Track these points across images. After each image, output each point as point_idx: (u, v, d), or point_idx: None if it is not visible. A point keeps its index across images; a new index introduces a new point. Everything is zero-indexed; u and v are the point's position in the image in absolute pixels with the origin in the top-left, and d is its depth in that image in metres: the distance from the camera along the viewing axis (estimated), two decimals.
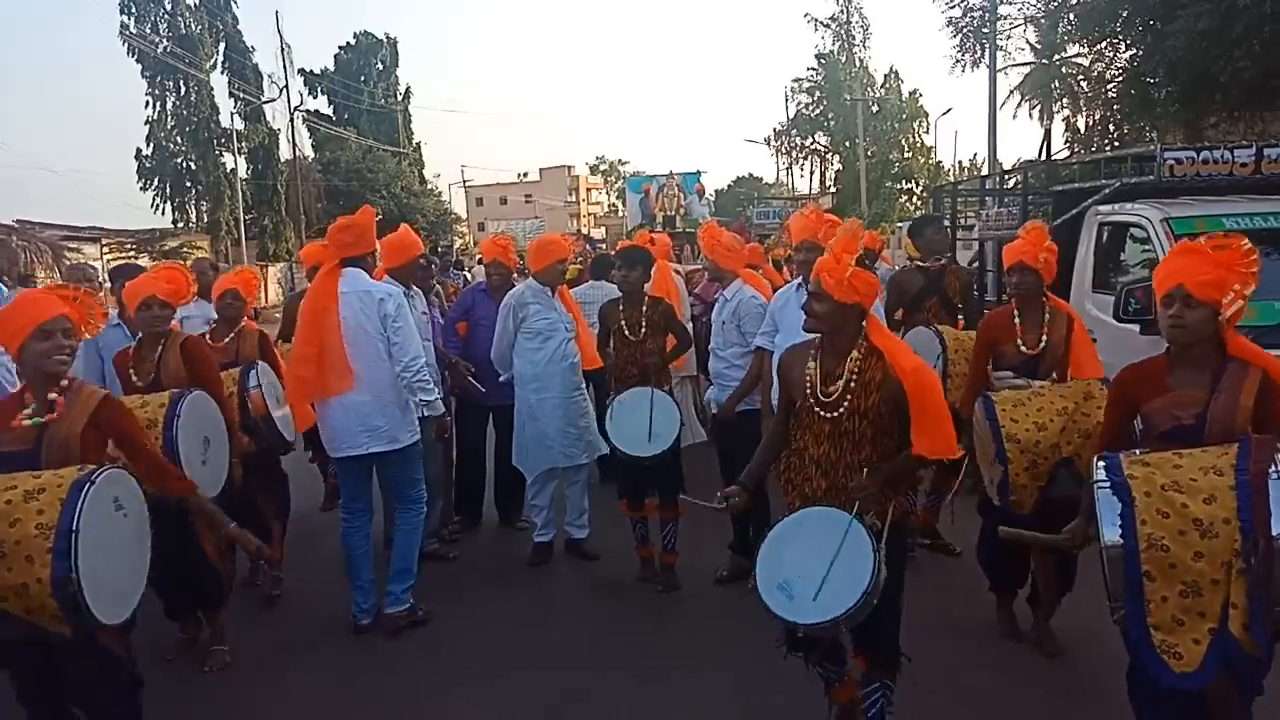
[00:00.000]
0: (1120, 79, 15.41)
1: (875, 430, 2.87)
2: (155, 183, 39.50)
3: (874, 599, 2.67)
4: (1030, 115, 31.44)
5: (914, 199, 47.68)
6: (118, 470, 2.85)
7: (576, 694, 3.83)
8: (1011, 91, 30.32)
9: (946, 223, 9.97)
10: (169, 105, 39.05)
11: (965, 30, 19.47)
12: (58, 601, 2.53)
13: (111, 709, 2.94)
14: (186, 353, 4.06)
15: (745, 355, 4.76)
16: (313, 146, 44.80)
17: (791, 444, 3.05)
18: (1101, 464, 2.55)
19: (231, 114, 38.86)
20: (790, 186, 51.32)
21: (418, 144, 52.08)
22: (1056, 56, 23.47)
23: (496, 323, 5.27)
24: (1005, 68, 24.09)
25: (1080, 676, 3.77)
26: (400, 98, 50.34)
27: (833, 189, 48.04)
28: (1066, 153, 19.44)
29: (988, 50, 20.53)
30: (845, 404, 2.86)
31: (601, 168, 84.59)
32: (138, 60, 37.95)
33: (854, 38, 49.58)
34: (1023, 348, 3.96)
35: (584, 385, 5.32)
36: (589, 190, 78.54)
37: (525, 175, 74.21)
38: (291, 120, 39.33)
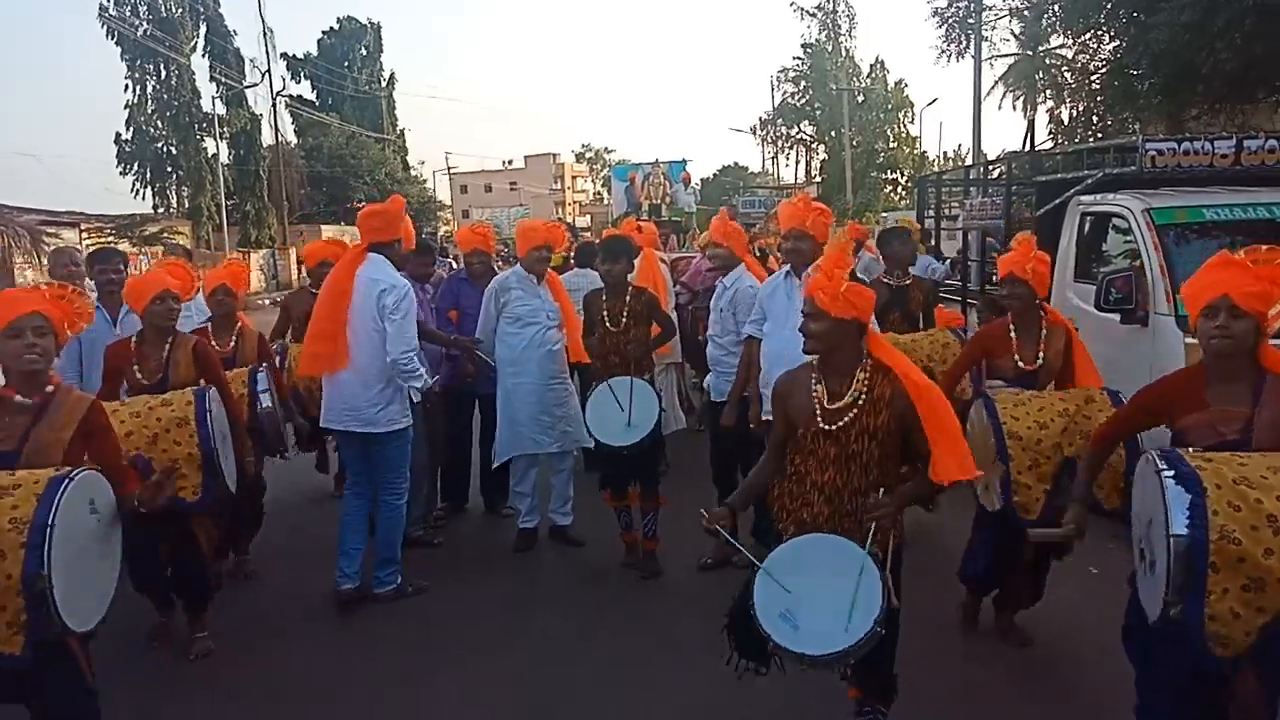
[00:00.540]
0: (1104, 70, 15.51)
1: (882, 452, 2.75)
2: (135, 168, 39.07)
3: (882, 630, 2.53)
4: (1014, 106, 31.46)
5: (899, 189, 47.82)
6: (94, 473, 2.79)
7: (562, 678, 3.85)
8: (996, 82, 30.37)
9: (930, 213, 10.07)
10: (149, 89, 38.58)
11: (951, 21, 19.55)
12: (25, 600, 2.42)
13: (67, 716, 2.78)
14: (199, 356, 4.06)
15: (740, 343, 4.78)
16: (295, 132, 44.48)
17: (788, 470, 2.90)
18: (1163, 456, 2.47)
19: (213, 98, 38.48)
20: (776, 176, 51.30)
21: (402, 131, 51.80)
22: (1041, 48, 23.53)
23: (481, 308, 5.30)
24: (990, 58, 24.26)
25: (1063, 672, 3.79)
26: (384, 84, 49.98)
27: (818, 178, 48.10)
28: (1050, 143, 19.57)
29: (973, 41, 20.62)
30: (853, 423, 2.73)
31: (587, 155, 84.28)
32: (117, 43, 37.45)
33: (840, 27, 49.60)
34: (1020, 363, 3.88)
35: (566, 375, 5.30)
36: (574, 178, 78.25)
37: (510, 163, 73.79)
38: (274, 105, 38.95)
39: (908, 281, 5.49)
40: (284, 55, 45.23)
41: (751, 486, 3.07)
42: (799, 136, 52.31)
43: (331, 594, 4.55)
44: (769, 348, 4.27)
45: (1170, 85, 12.20)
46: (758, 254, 7.45)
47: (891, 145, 50.07)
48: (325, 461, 6.40)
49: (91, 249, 6.94)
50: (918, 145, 50.35)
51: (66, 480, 2.58)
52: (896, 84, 50.49)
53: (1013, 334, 3.94)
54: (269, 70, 38.56)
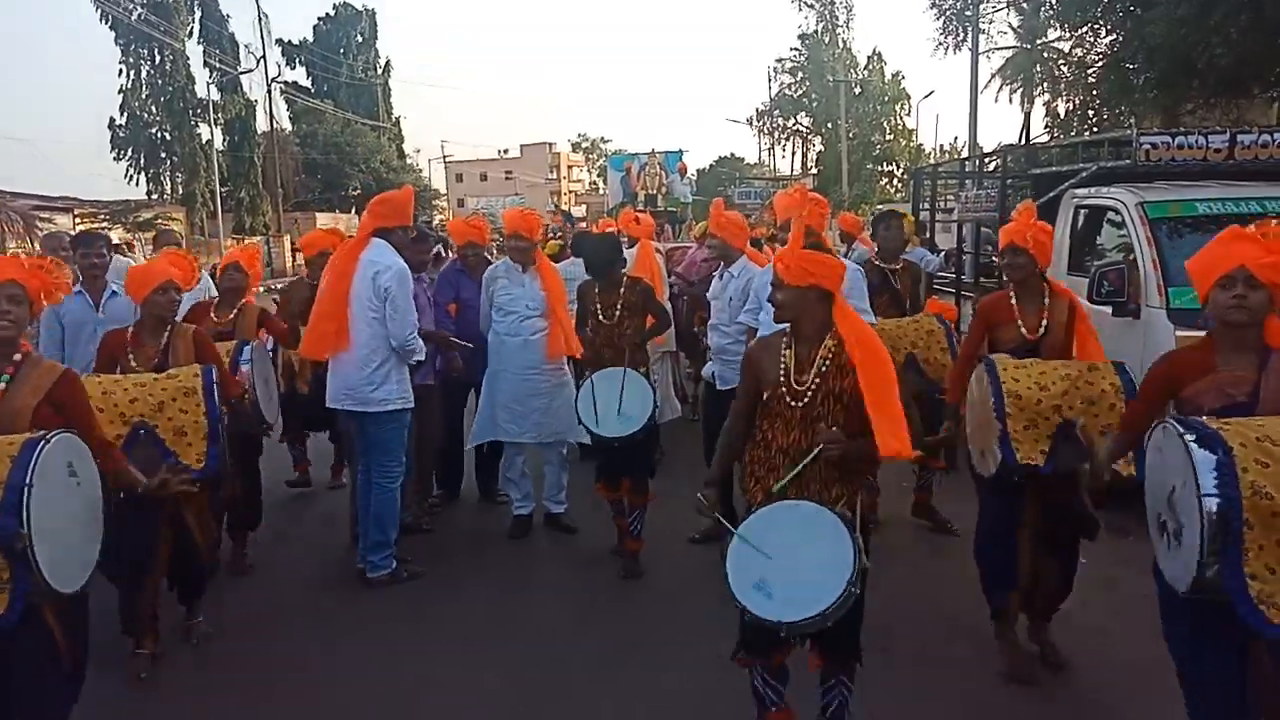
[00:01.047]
0: (1100, 64, 15.53)
1: (846, 416, 2.80)
2: (129, 153, 38.89)
3: (856, 588, 2.59)
4: (1011, 99, 31.46)
5: (895, 181, 47.81)
6: (73, 436, 2.75)
7: (555, 662, 3.88)
8: (993, 75, 30.37)
9: (926, 205, 10.09)
10: (143, 74, 38.41)
11: (948, 13, 19.50)
12: (7, 559, 2.41)
13: (35, 697, 2.72)
14: (199, 345, 4.08)
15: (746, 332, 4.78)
16: (290, 119, 44.36)
17: (755, 436, 2.96)
18: (1179, 422, 2.47)
19: (208, 84, 38.34)
20: (772, 167, 51.28)
21: (397, 119, 51.67)
22: (1038, 41, 23.54)
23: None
24: (987, 51, 24.20)
25: (1071, 678, 3.71)
26: (380, 71, 49.77)
27: (814, 170, 48.09)
28: (1046, 137, 19.57)
29: (970, 33, 20.59)
30: (818, 388, 2.80)
31: (583, 145, 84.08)
32: (111, 27, 37.26)
33: (838, 19, 49.59)
34: (1023, 330, 3.79)
35: (549, 366, 5.20)
36: (570, 168, 78.02)
37: (506, 152, 73.61)
38: (269, 92, 38.74)
39: (898, 265, 5.49)
40: (279, 41, 45.10)
41: (725, 453, 3.10)
42: (795, 128, 52.31)
43: (325, 581, 4.60)
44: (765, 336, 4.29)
45: (1166, 80, 12.23)
46: (752, 245, 7.48)
47: (888, 137, 50.07)
48: (303, 455, 6.39)
49: (77, 233, 6.95)
50: (914, 138, 50.36)
51: (43, 441, 2.55)
52: (893, 76, 50.48)
53: (1014, 302, 3.84)
54: (264, 56, 38.42)
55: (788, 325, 2.92)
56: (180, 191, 39.00)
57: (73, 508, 2.71)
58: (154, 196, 37.95)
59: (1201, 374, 2.67)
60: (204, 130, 38.48)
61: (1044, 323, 3.78)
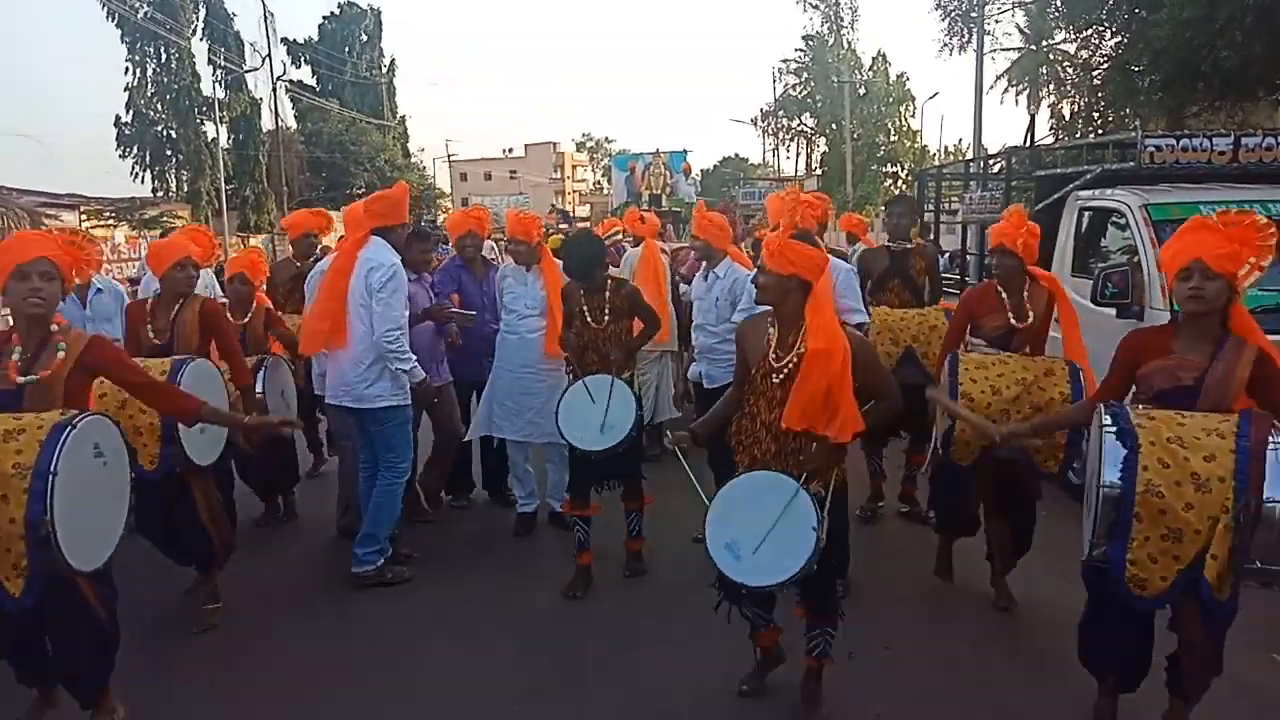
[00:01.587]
0: (1105, 66, 15.53)
1: None
2: (135, 151, 38.93)
3: (814, 565, 2.83)
4: (1016, 101, 31.49)
5: (899, 182, 47.76)
6: (100, 417, 2.83)
7: (559, 659, 3.90)
8: (999, 77, 30.41)
9: (930, 206, 10.09)
10: (149, 72, 38.41)
11: (954, 14, 19.51)
12: (28, 542, 2.50)
13: (79, 657, 2.89)
14: (205, 315, 4.13)
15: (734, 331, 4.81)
16: (295, 117, 44.29)
17: (744, 408, 3.19)
18: (1108, 411, 2.74)
19: (213, 82, 38.22)
20: (776, 168, 51.22)
21: (402, 117, 51.57)
22: (1044, 43, 23.53)
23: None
24: (993, 52, 24.23)
25: (1056, 649, 3.81)
26: (385, 70, 49.77)
27: (819, 171, 48.02)
28: (1051, 138, 19.57)
29: (975, 35, 20.59)
30: (798, 367, 2.97)
31: (587, 145, 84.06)
32: (117, 25, 37.29)
33: (842, 20, 49.51)
34: (1013, 320, 4.10)
35: (545, 366, 5.18)
36: (574, 167, 77.99)
37: (510, 151, 73.58)
38: (274, 90, 38.82)
39: (909, 247, 5.48)
40: (284, 40, 45.01)
41: (715, 417, 3.39)
42: (800, 128, 52.27)
43: (323, 576, 4.64)
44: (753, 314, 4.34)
45: (1171, 82, 12.24)
46: (752, 248, 7.50)
47: (892, 139, 50.02)
48: (316, 442, 6.61)
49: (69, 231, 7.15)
50: (919, 139, 50.33)
51: (70, 426, 2.63)
52: (898, 77, 50.45)
53: (1001, 294, 4.15)
54: (269, 55, 38.47)
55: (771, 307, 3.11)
56: (185, 189, 39.01)
57: (98, 487, 2.79)
58: (159, 194, 37.99)
59: (1159, 355, 2.89)
60: (209, 128, 38.44)
61: (1026, 311, 4.11)
